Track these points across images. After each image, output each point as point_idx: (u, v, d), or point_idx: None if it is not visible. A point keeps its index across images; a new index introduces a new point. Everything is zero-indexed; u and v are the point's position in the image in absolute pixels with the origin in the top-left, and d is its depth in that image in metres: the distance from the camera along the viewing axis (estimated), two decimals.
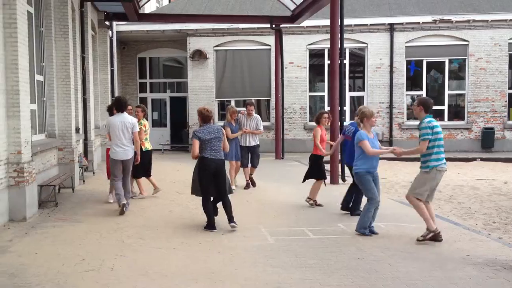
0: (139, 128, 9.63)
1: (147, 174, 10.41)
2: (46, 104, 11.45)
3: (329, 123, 10.34)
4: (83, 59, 14.32)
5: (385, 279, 5.38)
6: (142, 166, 9.92)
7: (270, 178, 11.66)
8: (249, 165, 11.61)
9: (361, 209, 7.86)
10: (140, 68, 23.61)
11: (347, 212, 8.75)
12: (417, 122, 7.60)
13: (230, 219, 7.60)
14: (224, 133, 7.93)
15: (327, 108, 20.52)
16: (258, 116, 11.77)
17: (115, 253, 6.36)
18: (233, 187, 11.35)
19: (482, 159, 19.15)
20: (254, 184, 11.66)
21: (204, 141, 7.58)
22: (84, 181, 12.69)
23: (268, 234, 7.37)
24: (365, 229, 7.24)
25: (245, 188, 11.42)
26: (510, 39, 20.79)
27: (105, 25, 18.04)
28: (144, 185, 10.44)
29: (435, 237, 6.85)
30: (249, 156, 11.57)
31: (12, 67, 8.09)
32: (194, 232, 7.50)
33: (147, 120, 10.66)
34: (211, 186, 7.68)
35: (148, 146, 10.37)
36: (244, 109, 11.84)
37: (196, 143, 7.56)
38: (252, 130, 11.46)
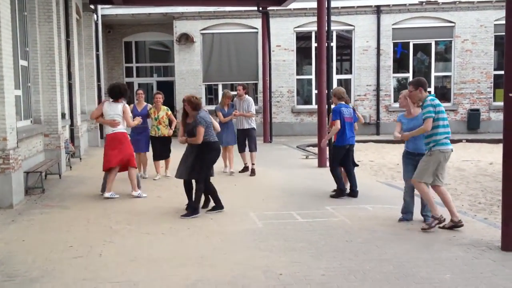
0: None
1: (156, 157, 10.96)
2: (31, 90, 11.30)
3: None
4: (68, 43, 14.13)
5: (373, 261, 5.43)
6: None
7: (258, 161, 11.66)
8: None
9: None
10: (126, 52, 23.36)
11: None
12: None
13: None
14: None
15: (315, 92, 20.57)
16: (250, 98, 11.55)
17: (103, 239, 6.35)
18: (227, 170, 11.36)
19: (468, 141, 19.33)
20: (253, 173, 11.24)
21: (209, 126, 7.67)
22: (71, 167, 12.62)
23: (257, 218, 7.39)
24: None
25: (240, 172, 11.39)
26: (496, 20, 20.84)
27: (89, 8, 17.81)
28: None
29: (456, 225, 6.57)
30: (246, 141, 11.35)
31: None
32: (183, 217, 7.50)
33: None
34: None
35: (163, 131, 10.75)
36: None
37: (203, 130, 7.56)
38: (242, 112, 11.26)
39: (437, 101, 6.59)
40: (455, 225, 6.58)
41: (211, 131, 7.73)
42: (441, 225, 6.61)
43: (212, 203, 7.90)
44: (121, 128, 8.94)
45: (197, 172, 7.63)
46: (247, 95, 11.55)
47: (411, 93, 6.83)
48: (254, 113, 11.54)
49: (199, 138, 7.55)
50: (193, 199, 7.63)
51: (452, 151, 6.70)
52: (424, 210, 7.04)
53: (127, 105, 9.12)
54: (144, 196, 8.97)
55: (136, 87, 22.93)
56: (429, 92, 6.91)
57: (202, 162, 7.62)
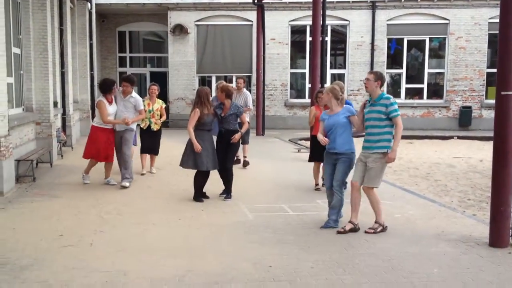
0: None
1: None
2: (23, 78, 11.24)
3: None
4: (61, 32, 14.04)
5: (362, 255, 5.48)
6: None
7: (250, 154, 11.67)
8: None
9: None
10: (119, 42, 23.25)
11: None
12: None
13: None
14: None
15: (308, 86, 20.59)
16: (248, 93, 11.39)
17: (93, 229, 6.35)
18: None
19: (459, 137, 19.43)
20: (245, 165, 11.20)
21: None
22: (62, 156, 12.58)
23: (248, 210, 7.42)
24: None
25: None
26: (491, 18, 20.88)
27: None
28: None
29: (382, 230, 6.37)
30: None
31: None
32: (173, 208, 7.52)
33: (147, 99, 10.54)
34: None
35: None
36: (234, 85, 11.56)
37: None
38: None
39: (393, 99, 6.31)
40: (383, 228, 6.38)
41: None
42: (370, 230, 6.33)
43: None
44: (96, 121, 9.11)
45: (230, 161, 8.18)
46: (245, 89, 11.44)
47: (368, 82, 6.30)
48: (252, 108, 11.48)
49: (245, 121, 8.46)
50: (230, 183, 8.15)
51: None
52: (332, 213, 6.63)
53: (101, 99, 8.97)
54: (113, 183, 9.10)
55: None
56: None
57: (234, 149, 8.28)
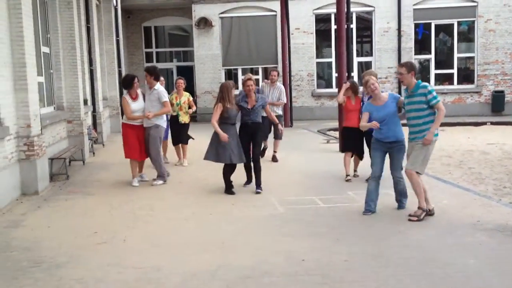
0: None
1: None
2: (53, 76, 11.42)
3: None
4: (88, 29, 14.20)
5: (395, 247, 5.40)
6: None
7: (279, 146, 11.63)
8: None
9: None
10: (145, 37, 23.42)
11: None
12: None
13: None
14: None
15: (335, 75, 20.38)
16: (282, 87, 11.24)
17: (126, 225, 6.43)
18: None
19: (492, 123, 19.01)
20: (274, 159, 11.05)
21: None
22: (94, 153, 12.76)
23: (278, 203, 7.40)
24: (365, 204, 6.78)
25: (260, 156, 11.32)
26: None
27: None
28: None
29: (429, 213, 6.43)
30: (271, 128, 10.98)
31: (17, 40, 8.03)
32: (204, 203, 7.55)
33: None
34: None
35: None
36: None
37: None
38: (273, 101, 10.75)
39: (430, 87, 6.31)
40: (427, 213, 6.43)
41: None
42: (413, 217, 6.34)
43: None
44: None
45: (257, 153, 8.27)
46: (278, 83, 11.28)
47: (402, 76, 6.32)
48: (285, 102, 11.40)
49: (271, 112, 8.46)
50: (259, 175, 8.15)
51: None
52: (400, 195, 6.84)
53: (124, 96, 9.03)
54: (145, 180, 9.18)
55: None
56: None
57: (260, 141, 8.40)
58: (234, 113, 7.98)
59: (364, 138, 8.60)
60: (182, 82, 10.66)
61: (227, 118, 7.91)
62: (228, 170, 8.06)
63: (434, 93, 6.21)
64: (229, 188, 8.06)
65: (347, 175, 8.88)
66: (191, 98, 10.83)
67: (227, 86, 8.03)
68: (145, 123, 8.87)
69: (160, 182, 8.88)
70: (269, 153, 11.24)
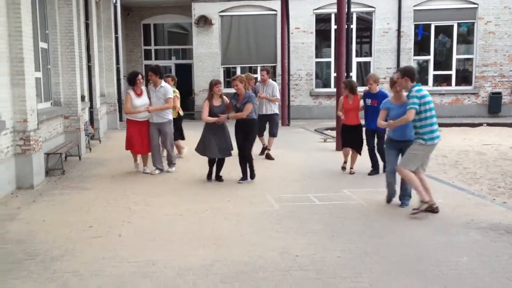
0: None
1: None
2: (51, 72, 11.42)
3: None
4: (87, 26, 14.21)
5: (389, 245, 5.42)
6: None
7: (276, 144, 11.66)
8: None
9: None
10: (144, 34, 23.43)
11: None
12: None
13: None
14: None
15: (333, 75, 20.41)
16: (274, 83, 11.35)
17: (122, 220, 6.44)
18: None
19: (489, 124, 19.05)
20: (269, 157, 11.10)
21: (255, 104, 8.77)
22: (90, 149, 12.76)
23: (274, 200, 7.42)
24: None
25: (259, 154, 11.35)
26: None
27: None
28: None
29: (431, 209, 6.53)
30: (266, 125, 11.16)
31: (15, 35, 8.04)
32: (200, 199, 7.56)
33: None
34: None
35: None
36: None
37: (251, 107, 8.46)
38: (266, 96, 11.02)
39: (423, 92, 6.48)
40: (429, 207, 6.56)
41: (255, 109, 8.68)
42: (413, 211, 6.54)
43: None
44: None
45: (248, 149, 8.62)
46: (270, 80, 11.38)
47: (398, 80, 6.74)
48: (279, 98, 11.45)
49: (247, 111, 8.36)
50: (252, 167, 8.69)
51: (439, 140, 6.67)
52: (405, 193, 7.07)
53: (128, 91, 9.47)
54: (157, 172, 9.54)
55: None
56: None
57: (252, 138, 8.67)
58: (220, 110, 8.56)
59: (362, 135, 9.19)
60: (169, 80, 10.63)
61: (214, 114, 8.50)
62: (210, 162, 8.83)
63: (414, 100, 6.40)
64: (208, 175, 8.81)
65: (344, 162, 9.46)
66: (178, 95, 10.75)
67: (211, 84, 8.69)
68: (158, 119, 9.36)
69: (174, 168, 9.71)
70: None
